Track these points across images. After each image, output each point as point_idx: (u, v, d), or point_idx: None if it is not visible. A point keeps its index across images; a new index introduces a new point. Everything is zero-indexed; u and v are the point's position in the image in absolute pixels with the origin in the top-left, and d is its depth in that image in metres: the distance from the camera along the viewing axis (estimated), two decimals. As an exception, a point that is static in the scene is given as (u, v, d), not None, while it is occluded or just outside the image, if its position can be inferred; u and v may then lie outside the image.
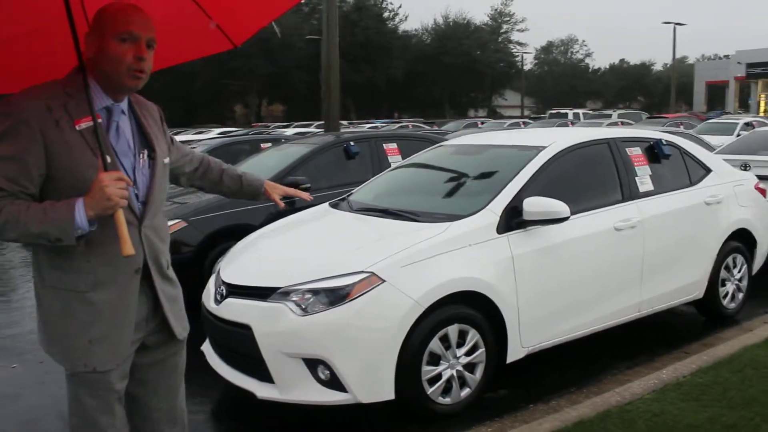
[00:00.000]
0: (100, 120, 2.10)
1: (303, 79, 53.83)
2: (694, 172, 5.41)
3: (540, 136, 5.10)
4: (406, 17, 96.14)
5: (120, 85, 2.15)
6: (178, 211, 6.41)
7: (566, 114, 33.35)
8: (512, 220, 4.11)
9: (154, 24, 2.17)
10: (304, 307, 3.64)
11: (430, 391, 3.76)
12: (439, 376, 3.80)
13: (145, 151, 2.25)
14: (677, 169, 5.31)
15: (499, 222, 4.06)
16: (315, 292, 3.67)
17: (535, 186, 4.32)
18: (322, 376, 3.61)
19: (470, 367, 3.94)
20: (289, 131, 21.78)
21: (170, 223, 6.18)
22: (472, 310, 3.88)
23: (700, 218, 5.22)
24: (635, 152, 5.03)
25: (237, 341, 3.84)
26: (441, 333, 3.77)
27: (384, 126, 35.43)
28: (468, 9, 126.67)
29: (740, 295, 5.59)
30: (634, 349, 4.93)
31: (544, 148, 4.57)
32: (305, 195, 2.99)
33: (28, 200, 2.03)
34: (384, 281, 3.63)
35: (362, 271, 3.66)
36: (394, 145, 7.49)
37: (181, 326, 2.41)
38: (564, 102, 62.29)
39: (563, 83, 75.79)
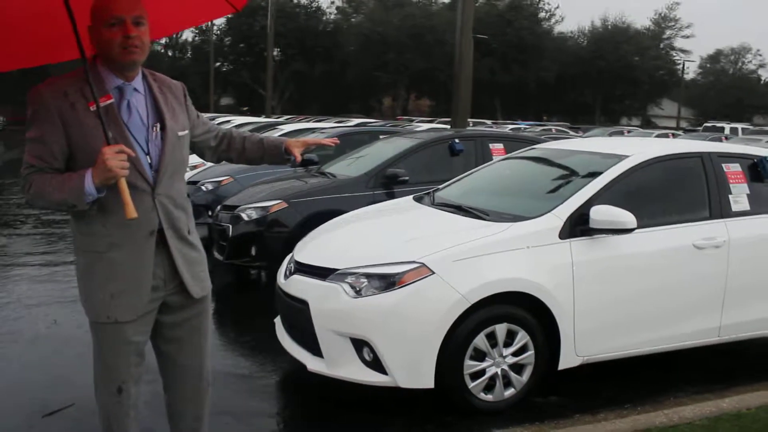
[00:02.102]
0: (111, 100, 2.37)
1: (451, 75, 54.00)
2: (802, 194, 5.02)
3: (630, 145, 4.96)
4: (562, 18, 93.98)
5: (119, 63, 2.38)
6: (281, 192, 6.81)
7: (723, 128, 31.23)
8: (577, 226, 4.07)
9: None
10: (358, 289, 3.83)
11: (471, 385, 3.83)
12: (482, 372, 3.86)
13: (158, 125, 2.48)
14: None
15: (562, 227, 4.04)
16: (369, 276, 3.84)
17: (609, 195, 4.23)
18: (367, 357, 3.78)
19: (517, 368, 3.96)
20: (423, 126, 22.03)
21: (272, 203, 6.63)
22: (523, 311, 3.90)
23: (804, 245, 4.85)
24: (733, 169, 4.76)
25: (296, 315, 4.09)
26: (488, 330, 3.83)
27: (527, 128, 34.95)
28: (629, 12, 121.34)
29: None
30: (711, 374, 4.71)
31: (626, 157, 4.47)
32: (329, 141, 3.03)
33: (53, 173, 2.35)
34: (433, 273, 3.74)
35: (413, 261, 3.79)
36: (500, 146, 7.49)
37: (199, 287, 2.62)
38: (728, 115, 58.29)
39: (729, 95, 70.74)
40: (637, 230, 4.18)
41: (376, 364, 3.76)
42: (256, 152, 2.90)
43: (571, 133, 32.63)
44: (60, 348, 4.87)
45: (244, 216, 6.71)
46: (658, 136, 28.40)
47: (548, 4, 62.84)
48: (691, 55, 77.60)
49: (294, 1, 58.30)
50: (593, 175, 4.35)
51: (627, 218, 3.97)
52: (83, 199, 2.29)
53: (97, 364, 2.56)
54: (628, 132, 31.65)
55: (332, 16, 62.65)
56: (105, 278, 2.44)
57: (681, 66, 63.37)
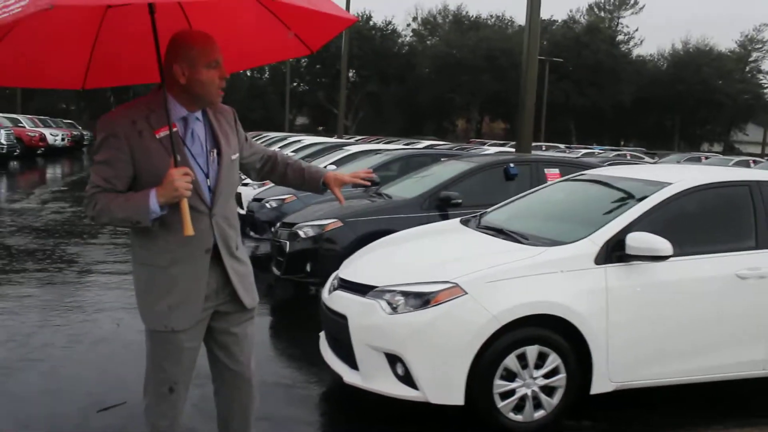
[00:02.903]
0: (175, 129, 2.60)
1: (525, 98, 53.65)
2: None
3: (676, 173, 4.96)
4: (641, 41, 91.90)
5: (209, 102, 2.67)
6: (337, 211, 7.03)
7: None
8: (614, 252, 4.11)
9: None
10: (394, 306, 3.99)
11: (501, 404, 3.92)
12: (512, 393, 3.94)
13: (215, 150, 2.72)
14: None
15: (598, 253, 4.09)
16: (405, 294, 4.00)
17: (649, 222, 4.26)
18: (399, 372, 3.93)
19: (548, 390, 4.02)
20: (491, 149, 22.05)
21: (327, 221, 6.86)
22: (555, 334, 3.97)
23: None
24: (783, 199, 4.70)
25: (337, 329, 4.28)
26: (519, 351, 3.91)
27: (601, 152, 34.42)
28: (712, 34, 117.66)
29: None
30: (753, 409, 4.62)
31: (668, 185, 4.48)
32: (364, 174, 3.07)
33: (115, 193, 2.57)
34: (466, 293, 3.86)
35: (447, 281, 3.93)
36: (556, 170, 7.53)
37: (250, 297, 2.85)
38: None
39: (820, 121, 67.57)
40: (676, 258, 4.20)
41: (407, 379, 3.90)
42: (296, 179, 3.10)
43: (646, 158, 31.96)
44: (119, 350, 5.21)
45: (301, 233, 6.96)
46: (737, 163, 27.49)
47: (627, 26, 61.63)
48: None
49: (371, 23, 59.31)
50: (633, 202, 4.39)
51: (662, 245, 4.00)
52: (148, 216, 2.51)
53: (150, 366, 2.79)
54: (706, 158, 30.78)
55: (407, 38, 63.36)
56: (165, 290, 2.65)
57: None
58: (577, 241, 4.16)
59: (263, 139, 24.78)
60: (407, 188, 7.60)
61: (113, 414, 4.07)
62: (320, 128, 59.57)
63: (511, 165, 7.39)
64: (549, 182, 5.74)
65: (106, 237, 10.33)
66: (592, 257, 4.08)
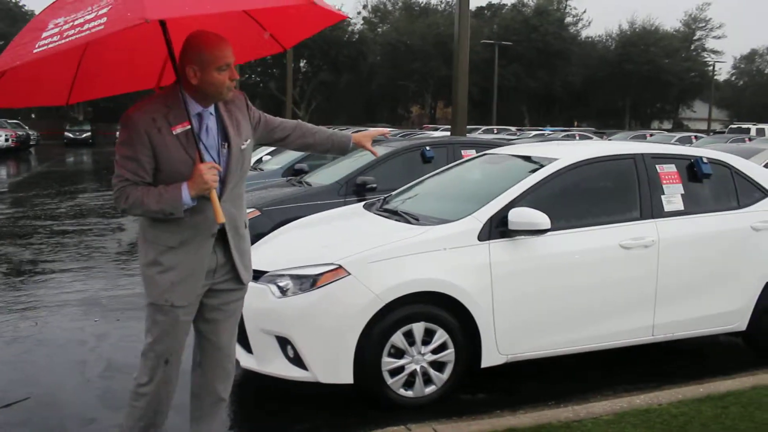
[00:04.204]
0: (189, 126, 2.76)
1: (477, 82, 53.95)
2: (746, 194, 5.09)
3: (563, 149, 5.09)
4: (589, 23, 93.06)
5: (220, 99, 2.84)
6: (255, 200, 7.06)
7: (748, 129, 30.74)
8: (498, 228, 4.22)
9: (221, 33, 2.78)
10: (284, 290, 4.05)
11: (390, 381, 4.01)
12: (401, 369, 4.03)
13: (226, 143, 2.89)
14: (723, 190, 5.05)
15: (481, 229, 4.19)
16: (293, 277, 4.06)
17: (534, 197, 4.38)
18: (290, 354, 3.99)
19: (438, 365, 4.12)
20: (436, 134, 22.19)
21: (247, 211, 6.85)
22: (441, 310, 4.06)
23: (743, 243, 4.92)
24: (668, 169, 4.86)
25: (232, 316, 4.31)
26: (405, 329, 4.00)
27: (551, 134, 34.85)
28: (657, 15, 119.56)
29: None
30: (641, 374, 4.80)
31: (554, 160, 4.61)
32: (386, 130, 3.58)
33: (145, 186, 2.76)
34: (350, 274, 3.94)
35: (331, 263, 3.99)
36: (473, 152, 7.63)
37: (247, 274, 3.05)
38: (764, 116, 57.12)
39: (764, 95, 69.37)
40: (561, 231, 4.35)
41: (297, 361, 3.97)
42: (325, 144, 3.31)
43: (595, 137, 32.48)
44: (33, 348, 5.21)
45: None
46: (679, 139, 28.12)
47: (575, 8, 62.32)
48: (724, 56, 76.20)
49: (319, 12, 58.83)
50: (518, 179, 4.50)
51: (540, 219, 4.12)
52: (180, 207, 2.73)
53: (149, 338, 2.94)
54: (650, 135, 31.38)
55: (358, 26, 63.17)
56: (169, 267, 2.84)
57: (712, 67, 62.34)
58: (461, 219, 4.26)
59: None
60: (327, 175, 7.65)
61: (15, 410, 4.08)
62: (276, 120, 59.03)
63: (427, 148, 7.48)
64: (451, 164, 5.83)
65: (37, 238, 10.20)
66: (476, 234, 4.18)
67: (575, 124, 60.95)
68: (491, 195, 4.44)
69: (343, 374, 3.92)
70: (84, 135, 45.10)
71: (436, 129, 37.85)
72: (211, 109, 2.87)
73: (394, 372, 4.02)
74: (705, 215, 4.87)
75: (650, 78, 58.42)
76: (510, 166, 4.94)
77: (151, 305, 2.91)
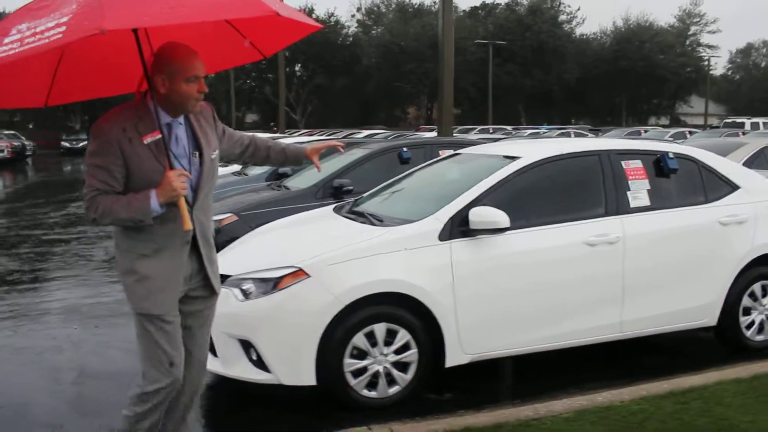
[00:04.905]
0: (159, 135, 2.79)
1: (473, 82, 54.01)
2: (713, 188, 5.10)
3: (527, 147, 5.10)
4: (583, 20, 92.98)
5: (187, 111, 2.87)
6: (233, 205, 7.08)
7: (742, 123, 30.75)
8: (459, 228, 4.23)
9: (196, 43, 2.82)
10: (246, 294, 4.07)
11: (353, 382, 4.02)
12: (364, 370, 4.04)
13: (197, 152, 2.93)
14: (690, 185, 5.05)
15: (442, 229, 4.21)
16: (255, 281, 4.08)
17: (496, 196, 4.38)
18: (253, 357, 4.01)
19: (402, 366, 4.13)
20: (427, 134, 22.21)
21: (223, 216, 6.89)
22: (403, 311, 4.08)
23: (710, 238, 4.93)
24: (633, 165, 4.87)
25: (198, 321, 4.33)
26: (366, 330, 4.01)
27: (547, 132, 34.88)
28: (651, 10, 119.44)
29: (771, 326, 5.16)
30: (606, 370, 4.80)
31: (516, 159, 4.62)
32: (335, 144, 3.54)
33: (114, 195, 2.77)
34: (309, 276, 3.95)
35: (291, 266, 4.01)
36: (450, 152, 7.64)
37: (217, 282, 3.10)
38: (761, 110, 57.08)
39: (761, 89, 69.28)
40: (526, 229, 4.36)
41: (260, 364, 3.98)
42: (279, 158, 3.40)
43: (590, 135, 32.49)
44: (6, 357, 5.26)
45: (197, 229, 6.97)
46: (674, 134, 28.09)
47: (568, 6, 62.09)
48: (720, 50, 76.15)
49: (313, 16, 59.01)
50: (480, 178, 4.50)
51: (500, 218, 4.13)
52: (149, 214, 2.75)
53: (143, 346, 2.93)
54: (645, 131, 31.36)
55: (352, 29, 63.23)
56: (145, 276, 2.86)
57: (707, 62, 62.29)
58: (422, 219, 4.27)
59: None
60: (305, 179, 7.67)
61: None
62: (272, 124, 59.15)
63: (404, 149, 7.50)
64: (421, 165, 5.85)
65: (25, 247, 10.24)
66: (436, 234, 4.19)
67: (573, 122, 60.97)
68: (454, 195, 4.45)
69: (306, 376, 3.93)
70: (80, 144, 45.02)
71: (433, 130, 37.89)
72: (181, 119, 2.89)
73: (357, 373, 4.03)
74: (672, 210, 4.87)
75: (646, 74, 58.38)
76: (475, 166, 4.95)
77: (137, 315, 2.93)
